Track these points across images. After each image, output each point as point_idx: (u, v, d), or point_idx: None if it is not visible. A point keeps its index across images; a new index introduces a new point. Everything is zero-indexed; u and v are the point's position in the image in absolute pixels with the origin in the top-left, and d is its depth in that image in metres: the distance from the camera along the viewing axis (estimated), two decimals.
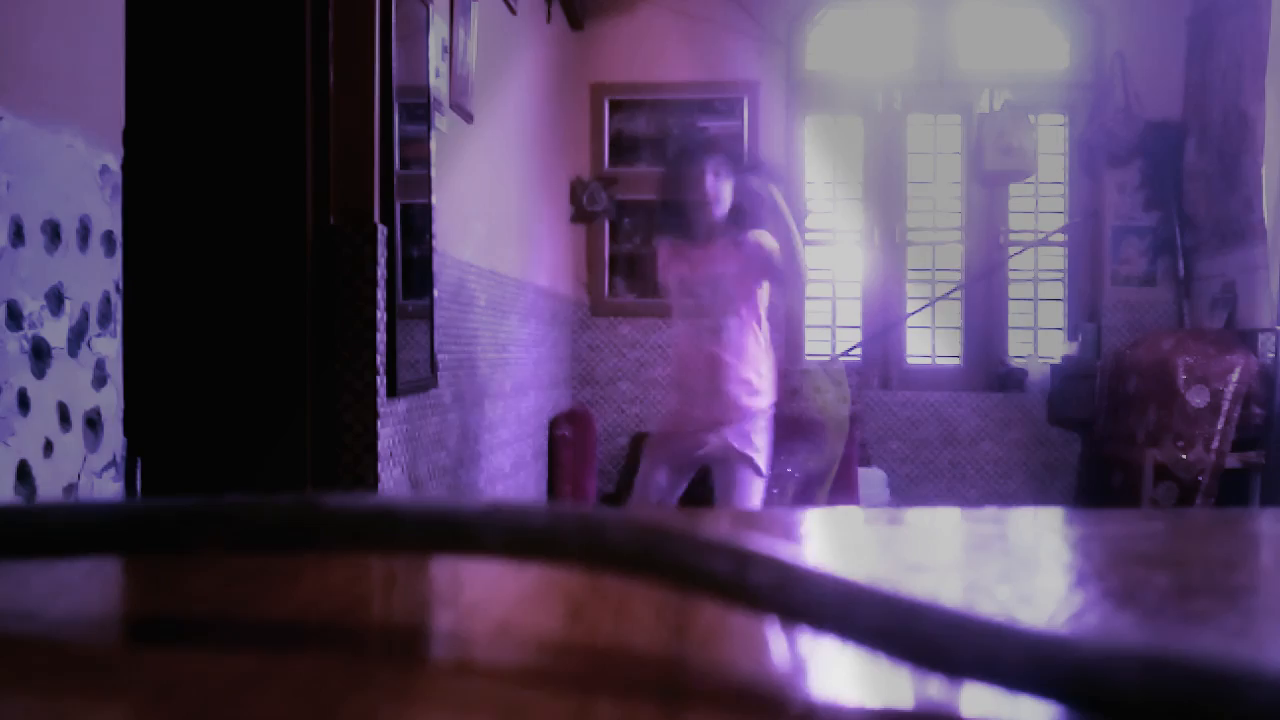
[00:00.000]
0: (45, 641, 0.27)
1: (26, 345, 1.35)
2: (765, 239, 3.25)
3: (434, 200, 3.07)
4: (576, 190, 5.99)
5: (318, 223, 2.60)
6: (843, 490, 5.00)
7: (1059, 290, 6.19)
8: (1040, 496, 5.92)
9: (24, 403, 1.34)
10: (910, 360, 6.22)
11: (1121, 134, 5.74)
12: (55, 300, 1.41)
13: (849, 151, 6.26)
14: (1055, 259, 6.22)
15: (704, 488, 3.51)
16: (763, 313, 3.34)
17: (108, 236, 1.55)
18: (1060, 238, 6.16)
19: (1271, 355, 4.71)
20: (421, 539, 0.26)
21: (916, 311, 6.17)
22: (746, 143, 6.05)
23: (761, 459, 3.30)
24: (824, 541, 0.45)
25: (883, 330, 6.10)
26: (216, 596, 0.32)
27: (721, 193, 3.25)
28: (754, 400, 3.29)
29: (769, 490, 3.58)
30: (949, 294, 6.15)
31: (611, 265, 6.17)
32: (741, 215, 3.29)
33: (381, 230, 2.67)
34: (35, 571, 0.33)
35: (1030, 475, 5.99)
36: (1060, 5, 6.00)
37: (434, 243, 3.08)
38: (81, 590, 0.33)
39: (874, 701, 0.23)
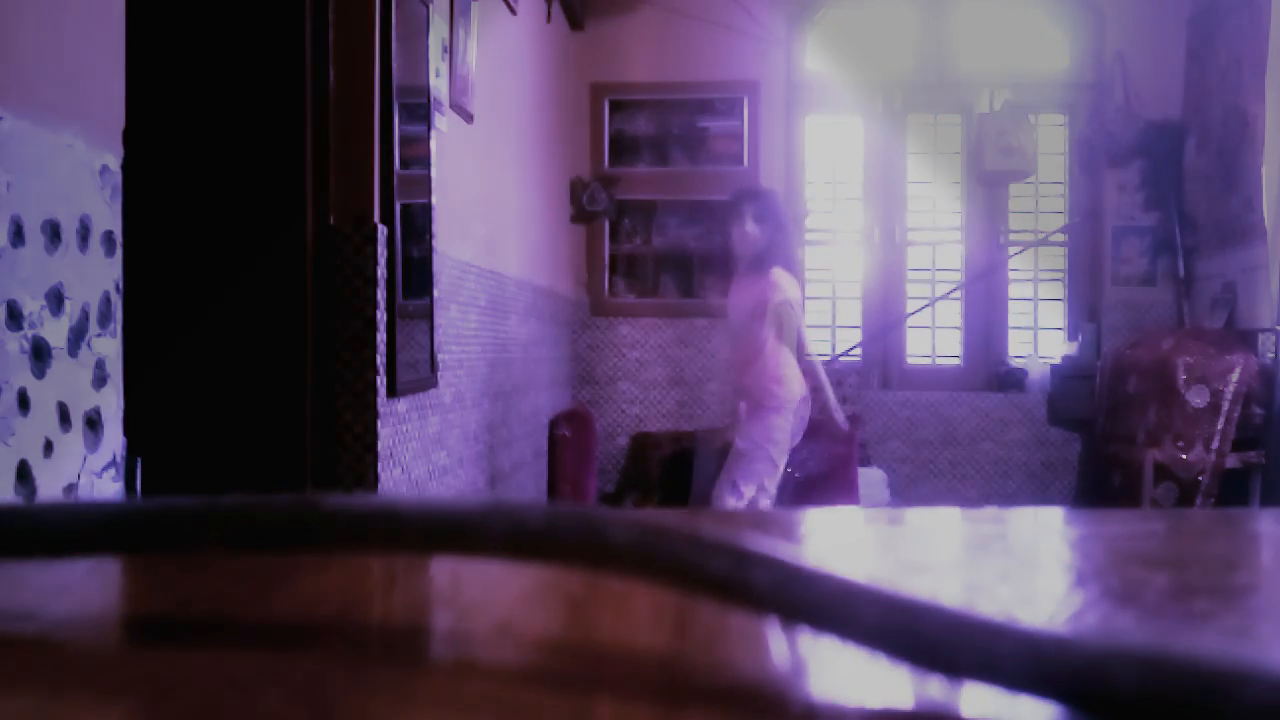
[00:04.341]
0: (45, 641, 0.27)
1: (26, 345, 1.35)
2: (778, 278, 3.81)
3: (434, 200, 3.07)
4: (576, 190, 5.99)
5: (318, 223, 2.60)
6: (843, 490, 5.00)
7: (1059, 290, 6.19)
8: (1040, 496, 5.92)
9: (24, 403, 1.34)
10: (910, 360, 6.22)
11: (1121, 134, 5.74)
12: (55, 300, 1.41)
13: (849, 151, 6.26)
14: (1055, 259, 6.22)
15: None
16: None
17: (108, 236, 1.55)
18: (1060, 238, 6.16)
19: (1271, 355, 4.70)
20: (422, 539, 0.26)
21: (916, 311, 6.16)
22: (746, 143, 6.06)
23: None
24: (824, 541, 0.45)
25: (883, 330, 6.10)
26: (216, 596, 0.32)
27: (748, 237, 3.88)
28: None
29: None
30: (949, 294, 6.15)
31: (611, 265, 6.17)
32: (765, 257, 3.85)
33: (381, 230, 2.67)
34: (35, 571, 0.33)
35: (1030, 475, 5.98)
36: (1060, 5, 5.99)
37: (434, 243, 3.08)
38: (81, 590, 0.33)
39: (874, 701, 0.23)
